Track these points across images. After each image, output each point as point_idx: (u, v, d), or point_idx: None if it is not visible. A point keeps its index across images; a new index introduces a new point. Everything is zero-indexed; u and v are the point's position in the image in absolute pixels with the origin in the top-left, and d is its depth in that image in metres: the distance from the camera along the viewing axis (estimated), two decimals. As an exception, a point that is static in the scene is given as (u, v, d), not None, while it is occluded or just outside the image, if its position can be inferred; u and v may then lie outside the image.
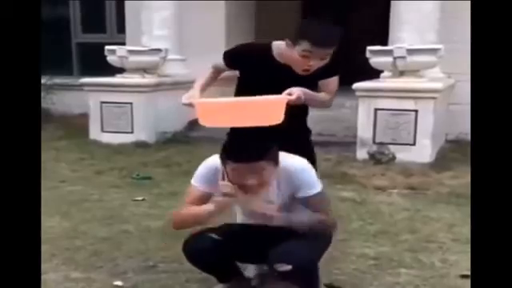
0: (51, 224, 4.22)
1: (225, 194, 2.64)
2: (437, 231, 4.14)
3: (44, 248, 3.21)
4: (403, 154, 6.22)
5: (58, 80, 9.65)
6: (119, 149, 7.19)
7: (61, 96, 9.56)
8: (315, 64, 2.81)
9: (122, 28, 9.92)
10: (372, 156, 6.38)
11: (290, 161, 2.74)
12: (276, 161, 2.65)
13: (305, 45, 2.76)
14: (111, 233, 4.08)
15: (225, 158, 2.61)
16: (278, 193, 2.76)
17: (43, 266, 3.09)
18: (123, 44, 8.70)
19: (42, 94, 9.18)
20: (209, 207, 2.71)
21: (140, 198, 4.98)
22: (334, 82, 3.04)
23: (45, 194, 4.99)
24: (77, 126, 8.44)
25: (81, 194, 5.14)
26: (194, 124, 8.34)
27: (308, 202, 2.77)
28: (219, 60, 3.12)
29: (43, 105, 9.07)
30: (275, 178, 2.70)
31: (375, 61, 6.30)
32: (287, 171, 2.72)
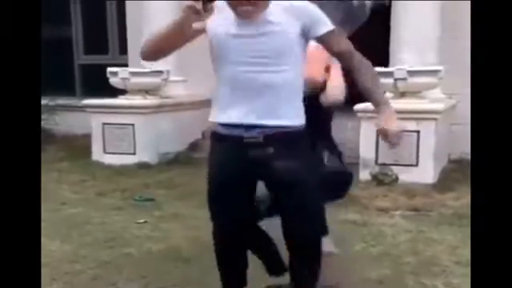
0: (52, 247, 4.20)
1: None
2: (440, 253, 4.11)
3: (44, 272, 3.21)
4: (406, 175, 6.20)
5: (61, 101, 9.68)
6: (121, 170, 7.18)
7: (64, 117, 9.58)
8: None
9: (124, 49, 9.95)
10: (374, 177, 6.36)
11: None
12: None
13: None
14: (112, 256, 4.05)
15: None
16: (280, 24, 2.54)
17: (43, 291, 3.07)
18: (125, 65, 8.74)
19: (45, 115, 9.22)
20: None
21: (142, 221, 4.96)
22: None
23: (46, 217, 4.99)
24: (79, 146, 8.43)
25: (82, 217, 5.12)
26: (195, 145, 8.38)
27: (330, 38, 2.60)
28: None
29: (46, 126, 9.12)
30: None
31: (376, 82, 6.32)
32: (293, 5, 2.57)
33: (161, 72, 7.62)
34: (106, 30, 10.54)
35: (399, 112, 5.98)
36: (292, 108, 2.64)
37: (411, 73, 6.10)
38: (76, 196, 5.97)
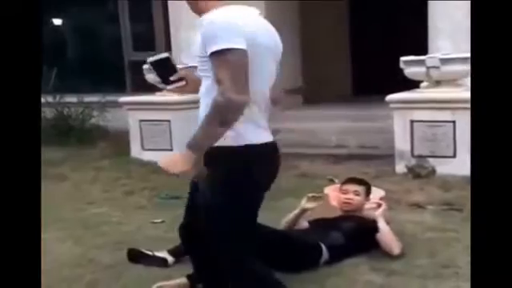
0: (62, 250, 4.20)
1: None
2: (456, 254, 3.86)
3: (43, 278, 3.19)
4: (443, 167, 5.92)
5: (112, 98, 9.79)
6: (158, 167, 7.13)
7: (114, 113, 9.67)
8: None
9: (170, 46, 9.98)
10: (411, 170, 6.11)
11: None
12: None
13: None
14: (117, 260, 4.00)
15: None
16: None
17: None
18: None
19: (97, 113, 9.35)
20: None
21: (159, 221, 4.91)
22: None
23: (66, 217, 5.05)
24: (126, 143, 8.47)
25: (103, 217, 5.12)
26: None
27: (213, 60, 2.35)
28: None
29: (100, 123, 9.25)
30: None
31: (410, 71, 6.06)
32: (203, 20, 2.50)
33: (195, 67, 7.54)
34: (152, 26, 10.61)
35: (432, 101, 5.90)
36: None
37: (444, 61, 5.80)
38: (104, 195, 5.98)
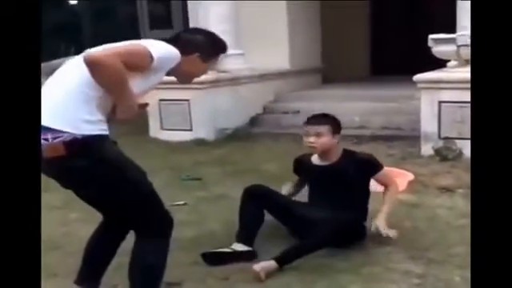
0: (85, 233, 4.06)
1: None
2: (495, 242, 3.71)
3: (70, 262, 3.07)
4: (471, 150, 5.75)
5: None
6: (177, 146, 7.08)
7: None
8: None
9: (188, 24, 9.84)
10: (437, 152, 5.96)
11: None
12: None
13: None
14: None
15: None
16: None
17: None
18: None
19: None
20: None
21: (181, 203, 4.78)
22: None
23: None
24: (145, 120, 8.34)
25: (124, 199, 4.99)
26: (256, 119, 8.15)
27: None
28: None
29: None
30: None
31: (438, 50, 5.86)
32: None
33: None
34: (169, 4, 10.47)
35: (461, 82, 5.70)
36: (73, 113, 2.58)
37: (475, 38, 5.59)
38: (124, 175, 5.85)
